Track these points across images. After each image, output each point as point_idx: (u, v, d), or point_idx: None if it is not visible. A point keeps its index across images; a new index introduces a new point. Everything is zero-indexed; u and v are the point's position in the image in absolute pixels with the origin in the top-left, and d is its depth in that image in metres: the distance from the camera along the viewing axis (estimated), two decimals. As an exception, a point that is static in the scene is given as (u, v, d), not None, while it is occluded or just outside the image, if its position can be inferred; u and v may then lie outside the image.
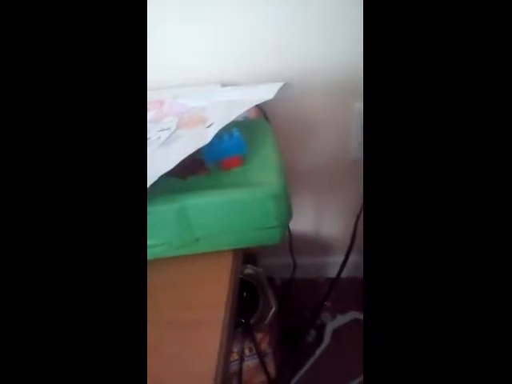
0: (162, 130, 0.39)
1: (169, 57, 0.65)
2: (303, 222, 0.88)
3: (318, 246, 0.91)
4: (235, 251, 0.39)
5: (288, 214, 0.37)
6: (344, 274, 0.72)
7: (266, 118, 0.61)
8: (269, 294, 0.71)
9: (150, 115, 0.46)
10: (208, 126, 0.37)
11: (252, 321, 0.67)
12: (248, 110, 0.39)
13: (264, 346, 0.71)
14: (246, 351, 0.69)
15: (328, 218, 0.88)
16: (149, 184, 0.30)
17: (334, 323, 0.84)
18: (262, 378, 0.70)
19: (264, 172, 0.36)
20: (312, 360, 0.80)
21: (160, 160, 0.34)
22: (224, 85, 0.65)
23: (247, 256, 0.75)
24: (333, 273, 0.75)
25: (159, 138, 0.38)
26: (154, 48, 0.63)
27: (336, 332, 0.84)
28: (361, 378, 0.75)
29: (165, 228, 0.35)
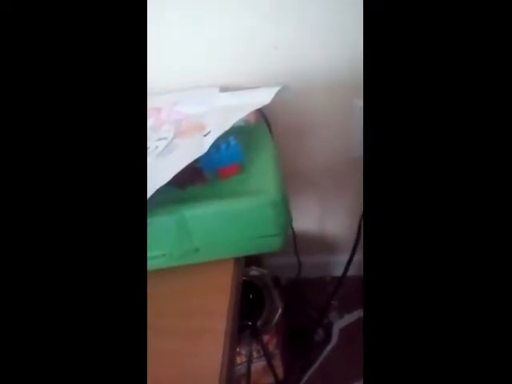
0: (160, 139, 0.39)
1: (166, 59, 0.65)
2: (307, 222, 0.88)
3: (323, 245, 0.91)
4: (236, 258, 0.39)
5: (288, 221, 0.37)
6: (350, 273, 0.72)
7: (266, 120, 0.61)
8: (274, 295, 0.71)
9: (148, 123, 0.46)
10: (205, 135, 0.37)
11: (259, 323, 0.67)
12: (246, 115, 0.39)
13: (271, 347, 0.71)
14: (254, 353, 0.69)
15: (332, 217, 0.87)
16: (148, 196, 0.30)
17: (341, 322, 0.84)
18: (270, 379, 0.70)
19: (262, 179, 0.36)
20: (320, 360, 0.80)
21: (158, 171, 0.34)
22: (223, 87, 0.65)
23: (251, 257, 0.75)
24: (339, 272, 0.75)
25: (156, 147, 0.38)
26: (151, 50, 0.63)
27: (343, 331, 0.84)
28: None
29: (165, 239, 0.35)
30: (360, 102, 0.68)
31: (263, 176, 0.36)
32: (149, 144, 0.40)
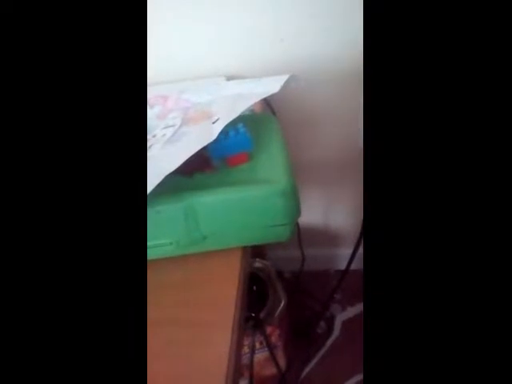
0: (167, 126, 0.39)
1: (172, 49, 0.65)
2: (312, 215, 0.88)
3: (326, 238, 0.91)
4: (244, 248, 0.38)
5: (297, 211, 0.36)
6: (353, 266, 0.72)
7: (272, 111, 0.61)
8: (278, 288, 0.71)
9: (154, 111, 0.45)
10: (213, 122, 0.37)
11: (262, 314, 0.67)
12: (253, 104, 0.38)
13: (274, 338, 0.71)
14: (257, 344, 0.69)
15: (337, 210, 0.87)
16: (155, 184, 0.30)
17: (343, 315, 0.84)
18: (273, 370, 0.70)
19: (271, 168, 0.35)
20: (322, 352, 0.80)
21: (165, 159, 0.33)
22: (229, 77, 0.64)
23: (255, 249, 0.75)
24: (342, 265, 0.75)
25: (164, 135, 0.38)
26: (157, 41, 0.63)
27: (346, 324, 0.84)
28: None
29: (172, 227, 0.34)
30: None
31: (272, 165, 0.36)
32: (156, 132, 0.39)
